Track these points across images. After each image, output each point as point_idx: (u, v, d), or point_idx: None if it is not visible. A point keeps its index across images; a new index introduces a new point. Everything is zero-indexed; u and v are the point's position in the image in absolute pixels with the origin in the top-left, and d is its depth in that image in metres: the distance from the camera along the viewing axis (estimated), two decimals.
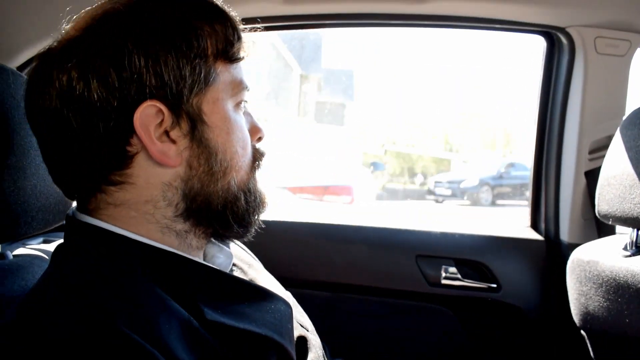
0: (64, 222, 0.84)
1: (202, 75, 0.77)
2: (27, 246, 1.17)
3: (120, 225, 0.78)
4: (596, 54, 1.62)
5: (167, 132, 0.76)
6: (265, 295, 0.88)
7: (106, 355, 0.61)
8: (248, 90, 0.88)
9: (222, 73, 0.81)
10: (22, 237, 1.06)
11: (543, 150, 1.81)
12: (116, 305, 0.66)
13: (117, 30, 0.74)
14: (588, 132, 1.66)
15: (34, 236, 1.31)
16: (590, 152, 1.67)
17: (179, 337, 0.68)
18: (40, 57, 0.77)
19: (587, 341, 1.33)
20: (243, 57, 0.85)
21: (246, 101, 0.88)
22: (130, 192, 0.78)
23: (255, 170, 0.89)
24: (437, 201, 12.68)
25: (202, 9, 0.80)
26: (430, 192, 13.27)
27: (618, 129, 1.18)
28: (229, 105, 0.82)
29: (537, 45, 1.81)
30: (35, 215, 0.95)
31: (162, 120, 0.75)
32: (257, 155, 0.89)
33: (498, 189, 12.16)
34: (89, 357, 0.60)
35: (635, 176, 1.06)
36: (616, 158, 1.14)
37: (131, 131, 0.74)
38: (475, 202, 11.93)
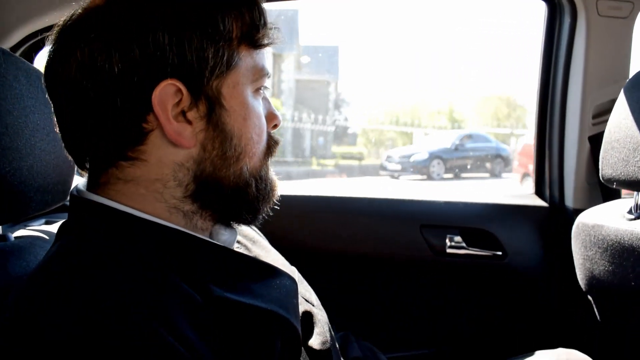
0: (65, 203, 0.83)
1: (225, 58, 0.77)
2: (28, 228, 1.17)
3: (127, 202, 0.78)
4: (598, 17, 1.59)
5: (184, 113, 0.76)
6: (270, 271, 0.88)
7: (120, 341, 0.60)
8: (269, 76, 0.87)
9: (245, 58, 0.80)
10: (23, 219, 1.05)
11: (546, 116, 1.79)
12: (124, 288, 0.65)
13: (143, 5, 0.73)
14: (591, 97, 1.64)
15: (35, 218, 1.31)
16: (594, 117, 1.66)
17: (185, 315, 0.67)
18: (63, 25, 0.76)
19: (594, 305, 1.33)
20: (267, 44, 0.84)
21: (266, 87, 0.87)
22: (141, 169, 0.77)
23: (268, 158, 0.88)
24: (392, 177, 12.62)
25: None
26: (383, 168, 13.24)
27: (622, 91, 1.16)
28: (249, 90, 0.81)
29: (539, 9, 1.79)
30: (33, 196, 0.94)
31: (181, 100, 0.75)
32: (271, 143, 0.89)
33: (452, 162, 11.91)
34: (104, 344, 0.60)
35: (639, 138, 1.05)
36: (620, 121, 1.13)
37: (149, 108, 0.73)
38: (429, 176, 11.85)
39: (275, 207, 0.92)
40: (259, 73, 0.83)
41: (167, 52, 0.72)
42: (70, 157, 0.81)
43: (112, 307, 0.62)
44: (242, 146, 0.81)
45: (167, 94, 0.73)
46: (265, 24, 0.83)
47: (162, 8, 0.73)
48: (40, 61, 1.68)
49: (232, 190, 0.82)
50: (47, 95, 0.79)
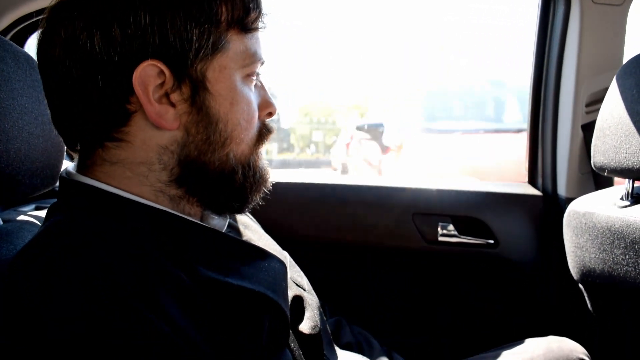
0: (55, 187, 0.83)
1: (211, 41, 0.76)
2: (17, 212, 1.16)
3: (114, 184, 0.78)
4: (592, 4, 1.58)
5: (167, 95, 0.76)
6: (260, 253, 0.88)
7: (99, 320, 0.60)
8: (263, 63, 0.86)
9: (234, 42, 0.79)
10: (11, 203, 1.05)
11: (539, 104, 1.79)
12: (109, 266, 0.65)
13: None
14: (585, 85, 1.63)
15: (25, 204, 1.30)
16: (587, 105, 1.65)
17: (174, 297, 0.67)
18: (51, 5, 0.76)
19: (585, 294, 1.33)
20: (259, 28, 0.84)
21: (259, 74, 0.87)
22: (126, 150, 0.77)
23: (259, 146, 0.88)
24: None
25: None
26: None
27: (614, 78, 1.16)
28: (237, 75, 0.81)
29: None
30: (21, 179, 0.93)
31: (164, 82, 0.75)
32: (263, 131, 0.88)
33: None
34: (96, 321, 0.60)
35: (630, 126, 1.05)
36: (612, 108, 1.12)
37: (131, 89, 0.73)
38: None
39: (268, 194, 0.92)
40: (251, 58, 0.82)
41: (148, 33, 0.72)
42: (59, 141, 0.81)
43: (95, 285, 0.62)
44: (228, 131, 0.80)
45: (148, 75, 0.73)
46: (257, 7, 0.82)
47: None
48: (32, 45, 1.67)
49: (217, 175, 0.82)
50: (35, 79, 0.79)
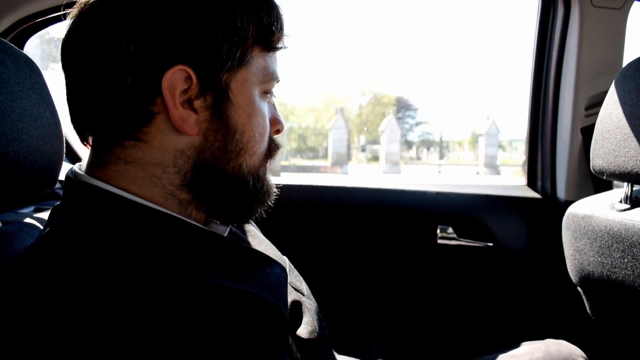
0: (55, 190, 0.83)
1: (238, 54, 0.78)
2: (17, 214, 1.16)
3: (125, 184, 0.78)
4: (592, 7, 1.59)
5: (190, 100, 0.77)
6: (262, 259, 0.89)
7: (108, 323, 0.60)
8: (278, 82, 0.89)
9: (257, 58, 0.82)
10: (10, 205, 1.05)
11: (539, 108, 1.79)
12: (117, 273, 0.65)
13: None
14: (584, 88, 1.64)
15: (25, 206, 1.30)
16: (587, 108, 1.65)
17: (178, 300, 0.67)
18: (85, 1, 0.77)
19: (584, 297, 1.33)
20: (281, 48, 0.86)
21: (272, 93, 0.89)
22: (143, 151, 0.78)
23: (267, 160, 0.90)
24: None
25: None
26: None
27: (613, 82, 1.16)
28: (256, 90, 0.83)
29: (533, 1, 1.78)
30: (20, 182, 0.93)
31: (190, 88, 0.76)
32: (272, 146, 0.90)
33: None
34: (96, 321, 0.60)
35: (629, 129, 1.05)
36: (611, 112, 1.12)
37: (157, 91, 0.75)
38: None
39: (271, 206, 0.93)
40: (269, 76, 0.84)
41: (183, 39, 0.74)
42: (58, 143, 0.82)
43: (96, 292, 0.62)
44: (243, 142, 0.82)
45: (176, 80, 0.74)
46: (281, 28, 0.85)
47: None
48: (31, 47, 1.67)
49: (228, 184, 0.83)
50: (35, 81, 0.80)
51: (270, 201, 0.92)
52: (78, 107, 0.80)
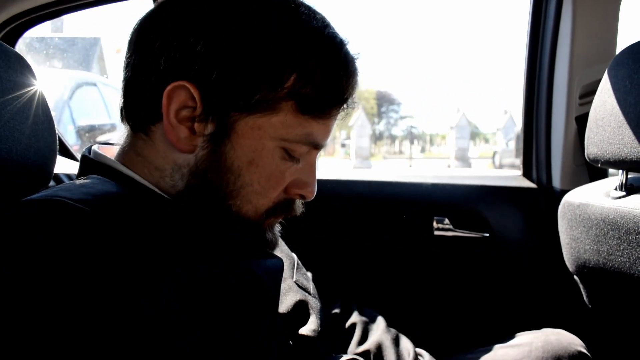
0: (48, 187, 0.83)
1: (256, 98, 0.76)
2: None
3: (134, 169, 0.82)
4: None
5: (193, 119, 0.78)
6: (259, 251, 0.90)
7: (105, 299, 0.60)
8: (317, 148, 0.85)
9: (288, 113, 0.79)
10: (5, 203, 1.04)
11: (533, 97, 1.79)
12: (119, 270, 0.64)
13: (204, 11, 0.77)
14: (578, 76, 1.63)
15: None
16: (581, 97, 1.65)
17: (178, 300, 0.67)
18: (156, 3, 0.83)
19: (580, 285, 1.34)
20: (323, 117, 0.82)
21: (301, 159, 0.86)
22: (150, 150, 0.81)
23: (270, 218, 0.87)
24: None
25: (326, 45, 0.81)
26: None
27: (606, 70, 1.16)
28: (271, 143, 0.80)
29: None
30: (14, 179, 0.93)
31: (195, 108, 0.77)
32: (281, 206, 0.87)
33: None
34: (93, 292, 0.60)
35: (623, 117, 1.05)
36: (604, 100, 1.12)
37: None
38: None
39: None
40: (299, 137, 0.81)
41: (198, 58, 0.75)
42: (52, 140, 0.82)
43: (101, 290, 0.61)
44: (236, 186, 0.80)
45: (177, 94, 0.76)
46: (337, 100, 0.82)
47: (218, 19, 0.76)
48: (22, 45, 1.66)
49: (219, 215, 0.82)
50: (26, 79, 0.80)
51: (271, 250, 0.91)
52: (127, 89, 0.83)
